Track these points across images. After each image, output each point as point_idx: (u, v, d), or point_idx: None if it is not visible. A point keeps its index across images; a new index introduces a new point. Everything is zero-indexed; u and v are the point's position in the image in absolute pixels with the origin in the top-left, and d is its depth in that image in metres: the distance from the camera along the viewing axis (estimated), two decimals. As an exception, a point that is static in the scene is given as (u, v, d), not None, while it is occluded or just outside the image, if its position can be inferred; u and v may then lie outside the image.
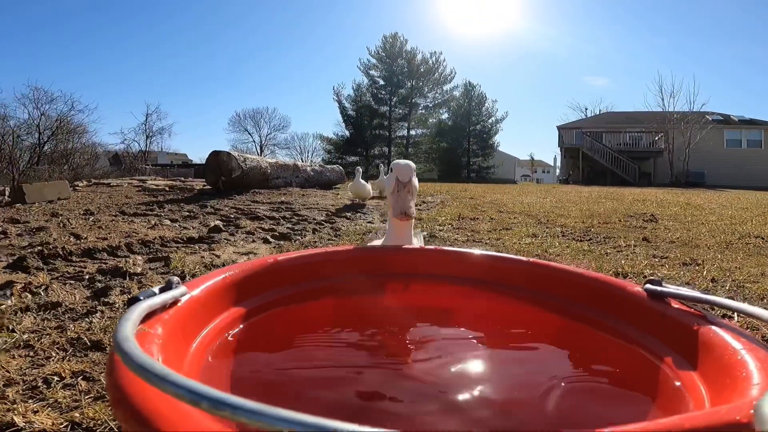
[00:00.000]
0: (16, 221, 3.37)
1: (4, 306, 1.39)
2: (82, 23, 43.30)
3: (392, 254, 0.75)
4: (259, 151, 32.41)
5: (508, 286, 0.69)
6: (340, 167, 8.41)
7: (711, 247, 2.84)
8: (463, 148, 27.75)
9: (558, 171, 26.09)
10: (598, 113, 26.81)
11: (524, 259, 0.72)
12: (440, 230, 3.39)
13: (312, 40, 58.25)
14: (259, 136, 33.70)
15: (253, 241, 2.84)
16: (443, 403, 0.49)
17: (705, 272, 2.11)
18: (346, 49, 58.56)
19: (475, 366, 0.55)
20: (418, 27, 53.44)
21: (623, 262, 2.35)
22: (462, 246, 2.81)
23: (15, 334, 1.17)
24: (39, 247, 2.31)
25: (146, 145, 27.40)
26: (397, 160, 0.93)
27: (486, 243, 2.93)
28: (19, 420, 0.76)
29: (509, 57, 60.96)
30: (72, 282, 1.78)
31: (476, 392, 0.50)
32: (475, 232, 3.36)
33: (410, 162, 0.92)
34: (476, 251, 0.78)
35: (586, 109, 29.36)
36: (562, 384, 0.50)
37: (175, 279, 0.46)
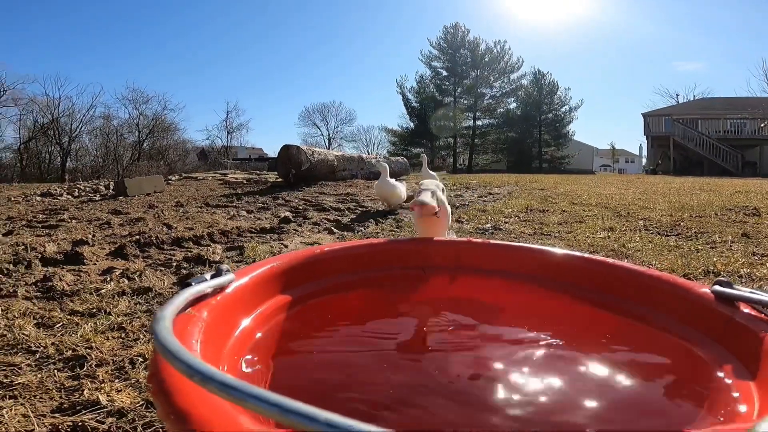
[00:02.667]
0: (118, 212, 3.82)
1: (104, 290, 1.57)
2: (166, 22, 47.43)
3: (433, 247, 0.74)
4: (327, 144, 33.59)
5: (562, 283, 0.65)
6: (405, 159, 8.42)
7: (826, 245, 2.44)
8: (534, 138, 26.48)
9: (644, 161, 23.99)
10: (692, 99, 24.24)
11: (578, 254, 0.67)
12: (506, 222, 3.28)
13: (373, 33, 58.78)
14: (327, 130, 34.91)
15: (319, 231, 2.96)
16: (480, 402, 0.48)
17: (814, 273, 1.82)
18: (407, 41, 58.38)
19: (519, 366, 0.53)
20: (480, 16, 51.75)
21: (716, 259, 2.10)
22: (528, 240, 2.70)
23: (111, 316, 1.30)
24: (137, 236, 2.59)
25: (227, 140, 29.69)
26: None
27: (555, 236, 2.78)
28: (103, 398, 0.85)
29: (584, 43, 57.06)
30: (162, 269, 1.98)
31: (517, 393, 0.48)
32: (544, 224, 3.20)
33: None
34: (526, 245, 0.74)
35: (678, 95, 26.73)
36: (607, 387, 0.47)
37: (225, 266, 0.50)
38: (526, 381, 0.49)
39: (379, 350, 0.56)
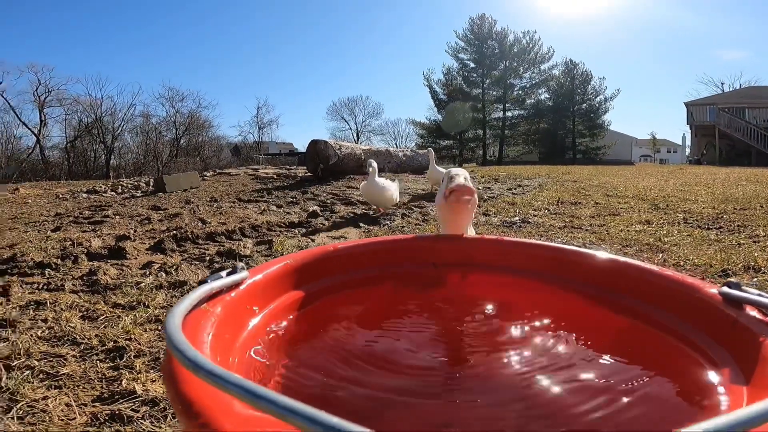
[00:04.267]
0: (157, 208, 4.00)
1: (143, 284, 1.66)
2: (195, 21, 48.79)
3: (450, 244, 0.74)
4: (355, 138, 33.77)
5: (568, 280, 0.65)
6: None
7: None
8: (567, 129, 25.66)
9: (687, 150, 22.88)
10: (738, 88, 23.00)
11: (586, 250, 0.67)
12: (535, 215, 3.22)
13: (401, 26, 58.50)
14: (355, 124, 35.14)
15: (346, 225, 3.00)
16: (488, 402, 0.49)
17: None
18: (434, 34, 57.78)
19: (525, 365, 0.54)
20: (507, 7, 50.42)
21: (757, 254, 2.00)
22: (558, 233, 2.64)
23: (149, 309, 1.39)
24: (174, 231, 2.72)
25: (259, 136, 30.45)
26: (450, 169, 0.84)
27: (586, 230, 2.71)
28: (139, 388, 0.92)
29: (620, 33, 55.01)
30: (196, 262, 2.07)
31: (522, 394, 0.49)
32: (575, 217, 3.12)
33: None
34: (535, 241, 0.74)
35: (723, 83, 25.50)
36: (601, 387, 0.47)
37: (240, 264, 0.53)
38: (525, 381, 0.50)
39: (387, 347, 0.58)
